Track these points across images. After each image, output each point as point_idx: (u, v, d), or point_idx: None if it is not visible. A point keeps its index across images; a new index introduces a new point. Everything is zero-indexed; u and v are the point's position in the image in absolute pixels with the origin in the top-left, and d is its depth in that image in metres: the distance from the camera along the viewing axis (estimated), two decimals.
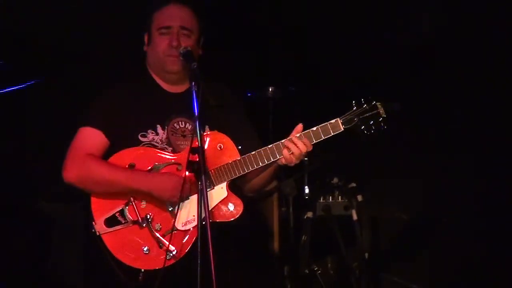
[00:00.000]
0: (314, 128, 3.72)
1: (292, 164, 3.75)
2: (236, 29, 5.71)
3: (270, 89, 5.41)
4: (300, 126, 3.74)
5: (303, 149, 3.68)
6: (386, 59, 5.68)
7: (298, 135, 3.72)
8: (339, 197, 5.26)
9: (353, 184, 5.26)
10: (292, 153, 3.70)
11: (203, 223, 3.39)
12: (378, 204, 5.51)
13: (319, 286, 5.25)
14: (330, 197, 5.26)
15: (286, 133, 4.00)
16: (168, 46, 3.89)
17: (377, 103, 3.72)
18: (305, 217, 5.21)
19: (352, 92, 5.42)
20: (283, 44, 5.95)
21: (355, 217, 5.18)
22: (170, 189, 3.72)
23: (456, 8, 5.42)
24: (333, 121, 3.72)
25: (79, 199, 3.98)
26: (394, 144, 4.01)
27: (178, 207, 3.73)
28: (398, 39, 5.65)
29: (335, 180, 5.26)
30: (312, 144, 3.71)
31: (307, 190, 5.29)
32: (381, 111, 3.71)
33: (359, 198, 5.22)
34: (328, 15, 5.84)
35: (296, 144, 3.69)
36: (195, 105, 3.48)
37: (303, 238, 5.18)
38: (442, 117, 5.50)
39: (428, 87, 5.55)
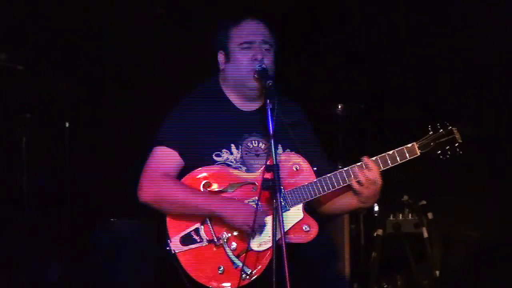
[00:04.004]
0: (390, 152, 3.67)
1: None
2: (308, 46, 5.78)
3: (340, 106, 5.51)
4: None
5: (371, 176, 3.63)
6: (460, 79, 5.65)
7: (374, 158, 3.68)
8: (409, 214, 5.29)
9: (423, 202, 5.32)
10: (360, 181, 3.66)
11: (278, 241, 3.32)
12: (449, 221, 5.49)
13: None
14: (400, 215, 5.30)
15: (355, 150, 3.98)
16: (251, 60, 3.76)
17: (453, 128, 3.66)
18: (375, 234, 5.24)
19: (421, 111, 5.66)
20: (353, 62, 5.96)
21: (425, 234, 5.19)
22: (242, 219, 3.63)
23: None
24: (409, 145, 3.68)
25: (150, 216, 3.95)
26: (464, 162, 3.97)
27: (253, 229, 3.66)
28: (473, 59, 5.59)
29: (405, 197, 5.30)
30: (388, 168, 3.67)
31: (376, 208, 5.32)
32: (457, 136, 3.65)
33: (430, 215, 5.23)
34: (399, 33, 5.86)
35: (364, 174, 3.64)
36: (270, 123, 3.42)
37: (373, 255, 5.20)
38: None
39: (506, 109, 5.48)
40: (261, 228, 3.69)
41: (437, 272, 5.13)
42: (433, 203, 5.27)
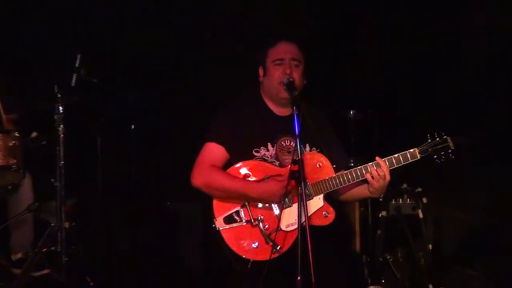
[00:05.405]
0: (396, 155, 3.96)
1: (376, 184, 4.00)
2: (327, 62, 6.03)
3: (351, 112, 5.70)
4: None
5: (381, 173, 3.96)
6: (457, 88, 5.85)
7: (383, 159, 3.96)
8: (408, 199, 5.42)
9: (419, 189, 5.43)
10: (373, 176, 3.97)
11: (302, 223, 3.61)
12: (440, 205, 5.61)
13: (391, 272, 5.43)
14: (400, 199, 5.41)
15: (363, 149, 4.39)
16: (281, 74, 4.10)
17: (448, 137, 3.97)
18: (380, 215, 5.40)
19: (418, 116, 5.94)
20: (364, 75, 6.22)
21: (421, 215, 5.34)
22: (277, 190, 3.93)
23: None
24: (411, 150, 3.96)
25: (199, 200, 4.29)
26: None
27: (283, 208, 3.97)
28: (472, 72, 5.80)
29: (404, 185, 5.46)
30: (393, 168, 3.97)
31: None
32: (450, 144, 3.95)
33: (424, 200, 5.39)
34: (405, 44, 6.08)
35: (376, 171, 3.96)
36: (296, 125, 3.69)
37: (378, 232, 5.38)
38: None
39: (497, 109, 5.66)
40: (291, 205, 3.95)
41: (430, 246, 5.27)
42: (427, 190, 5.38)
